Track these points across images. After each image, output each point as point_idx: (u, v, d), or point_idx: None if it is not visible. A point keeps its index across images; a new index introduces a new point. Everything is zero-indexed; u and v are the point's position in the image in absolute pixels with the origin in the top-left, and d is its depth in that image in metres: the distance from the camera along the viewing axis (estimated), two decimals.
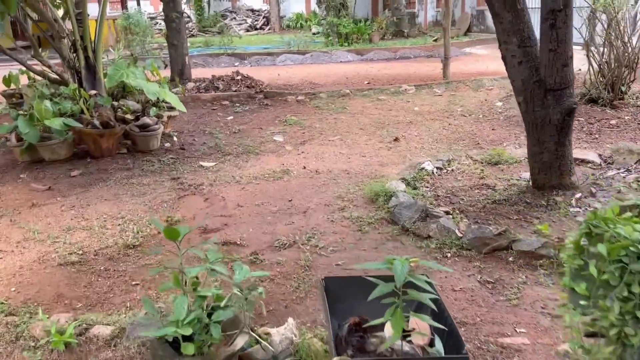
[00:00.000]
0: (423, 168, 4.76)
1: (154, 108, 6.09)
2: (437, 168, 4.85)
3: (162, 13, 29.33)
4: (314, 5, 27.43)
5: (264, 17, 28.34)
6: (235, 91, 9.44)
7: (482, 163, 5.00)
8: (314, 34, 23.88)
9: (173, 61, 10.57)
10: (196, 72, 12.81)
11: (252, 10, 29.37)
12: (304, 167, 5.41)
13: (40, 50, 8.46)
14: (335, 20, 16.25)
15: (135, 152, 5.95)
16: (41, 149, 5.54)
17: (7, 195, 4.86)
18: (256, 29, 27.68)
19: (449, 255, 3.38)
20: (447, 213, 3.81)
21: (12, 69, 9.07)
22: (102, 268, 3.41)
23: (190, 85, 9.81)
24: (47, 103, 5.33)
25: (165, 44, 19.56)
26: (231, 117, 7.97)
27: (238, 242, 3.73)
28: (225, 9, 29.21)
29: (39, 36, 10.82)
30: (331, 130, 6.91)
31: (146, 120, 5.85)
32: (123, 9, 19.65)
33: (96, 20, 6.58)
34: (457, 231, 3.48)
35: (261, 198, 4.60)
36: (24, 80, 9.41)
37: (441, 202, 4.12)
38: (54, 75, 7.30)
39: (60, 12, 9.01)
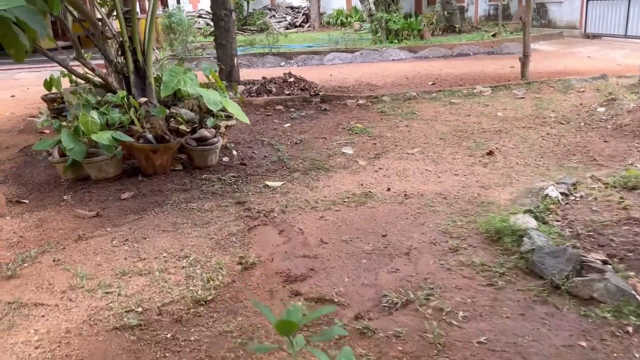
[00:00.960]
0: (547, 195, 3.85)
1: (212, 118, 5.37)
2: (562, 194, 3.94)
3: (200, 11, 28.97)
4: (354, 1, 26.54)
5: (303, 15, 27.61)
6: (289, 94, 8.68)
7: (615, 187, 4.05)
8: (356, 30, 23.03)
9: (221, 62, 9.88)
10: (242, 73, 12.12)
11: (292, 8, 28.68)
12: (388, 189, 4.58)
13: (82, 51, 7.92)
14: (386, 16, 15.32)
15: (191, 168, 5.24)
16: (87, 166, 4.89)
17: (49, 223, 4.21)
18: (296, 27, 26.98)
19: (630, 330, 2.49)
20: (604, 262, 2.92)
21: (54, 71, 8.56)
22: (168, 336, 2.67)
23: (240, 88, 9.11)
24: (94, 114, 4.66)
25: (208, 43, 19.11)
26: (288, 125, 7.20)
27: (335, 299, 2.93)
28: (264, 6, 28.59)
29: (79, 36, 10.33)
30: (406, 141, 6.05)
31: (204, 132, 5.13)
32: (164, 7, 19.20)
33: (145, 20, 5.89)
34: (637, 296, 2.59)
35: (347, 231, 3.80)
36: (65, 83, 8.95)
37: (585, 244, 3.22)
38: (98, 79, 6.71)
39: (104, 10, 8.44)
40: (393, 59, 13.38)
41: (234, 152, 5.71)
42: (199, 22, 24.66)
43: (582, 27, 13.57)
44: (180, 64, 9.98)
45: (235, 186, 4.83)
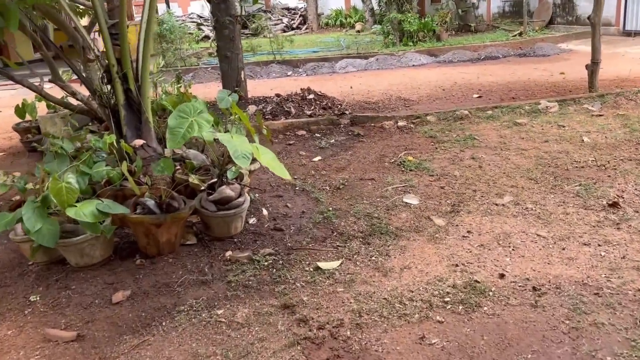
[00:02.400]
0: None
1: (234, 167, 3.92)
2: None
3: (191, 15, 27.36)
4: (354, 0, 25.15)
5: (300, 16, 26.17)
6: (311, 116, 7.25)
7: None
8: (358, 32, 21.63)
9: (225, 77, 8.45)
10: (248, 87, 10.68)
11: (288, 9, 27.22)
12: (502, 275, 3.17)
13: (60, 70, 6.46)
14: (399, 16, 13.92)
15: (208, 240, 3.80)
16: (64, 249, 3.44)
17: (2, 356, 2.76)
18: (292, 29, 25.52)
19: None
20: None
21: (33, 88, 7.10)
22: None
23: (251, 109, 7.67)
24: (71, 178, 3.21)
25: (202, 49, 17.61)
26: (319, 158, 5.78)
27: None
28: (259, 8, 27.10)
29: (61, 45, 8.84)
30: (484, 182, 4.64)
31: (226, 192, 3.69)
32: None
33: (139, 33, 4.45)
34: None
35: None
36: (43, 108, 7.48)
37: None
38: (81, 103, 5.26)
39: (85, 21, 6.97)
40: (413, 65, 11.98)
41: (264, 211, 4.26)
42: (190, 27, 23.15)
43: (620, 24, 12.28)
44: (178, 80, 8.53)
45: (274, 271, 3.40)
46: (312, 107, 7.52)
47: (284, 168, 3.53)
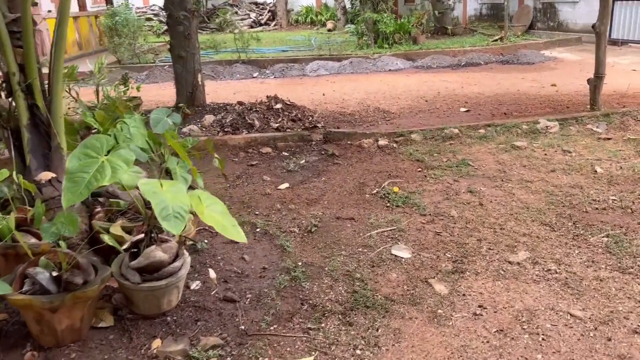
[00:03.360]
0: None
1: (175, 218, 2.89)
2: None
3: (152, 7, 25.92)
4: None
5: (269, 12, 25.05)
6: (279, 129, 6.27)
7: None
8: (329, 30, 20.71)
9: (180, 80, 7.37)
10: (207, 89, 9.60)
11: (256, 4, 26.04)
12: None
13: None
14: (375, 16, 13.04)
15: (131, 319, 2.79)
16: None
17: None
18: (261, 25, 24.40)
19: None
20: None
21: None
22: None
23: (208, 119, 6.62)
24: None
25: (161, 44, 16.27)
26: (286, 186, 4.81)
27: None
28: (225, 2, 25.83)
29: None
30: (488, 227, 3.77)
31: (155, 255, 2.67)
32: (107, 4, 16.29)
33: (55, 30, 3.38)
34: None
35: None
36: None
37: None
38: None
39: None
40: (390, 70, 11.11)
41: (211, 273, 3.24)
42: (153, 20, 21.74)
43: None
44: (124, 82, 7.38)
45: None
46: (280, 119, 6.54)
47: (236, 227, 2.55)
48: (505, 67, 10.51)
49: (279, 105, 6.75)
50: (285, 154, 5.78)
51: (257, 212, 4.25)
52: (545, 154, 5.20)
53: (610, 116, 6.03)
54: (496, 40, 13.09)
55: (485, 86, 8.47)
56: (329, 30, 20.68)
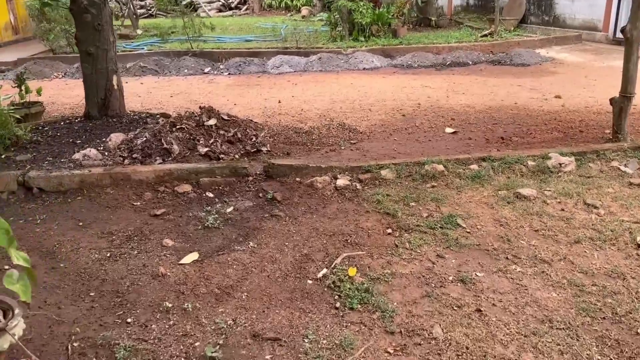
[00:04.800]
0: None
1: None
2: None
3: None
4: None
5: None
6: (208, 156, 4.70)
7: None
8: (304, 17, 19.01)
9: (89, 85, 5.73)
10: (142, 90, 7.97)
11: None
12: None
13: None
14: (350, 5, 11.43)
15: None
16: None
17: None
18: (231, 9, 22.56)
19: None
20: None
21: None
22: None
23: (115, 139, 4.99)
24: None
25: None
26: (194, 258, 3.29)
27: None
28: None
29: None
30: None
31: None
32: None
33: None
34: None
35: None
36: None
37: None
38: None
39: None
40: (364, 68, 9.57)
41: None
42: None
43: (609, 30, 10.36)
44: (19, 84, 5.80)
45: None
46: (212, 141, 4.97)
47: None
48: (497, 69, 9.06)
49: (212, 122, 5.17)
50: (210, 195, 4.24)
51: (130, 320, 2.72)
52: (563, 210, 3.76)
53: None
54: (485, 35, 11.61)
55: (476, 96, 7.00)
56: (303, 17, 18.97)
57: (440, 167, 4.38)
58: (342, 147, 5.18)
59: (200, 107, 5.52)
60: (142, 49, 11.01)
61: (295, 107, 6.71)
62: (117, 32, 14.48)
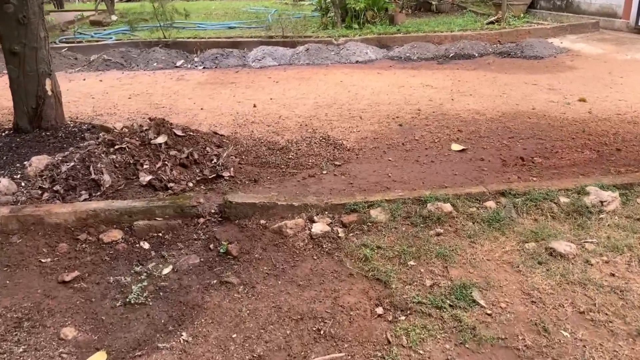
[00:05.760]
0: None
1: None
2: None
3: None
4: None
5: None
6: (151, 184, 3.70)
7: None
8: (294, 0, 17.81)
9: (17, 90, 4.68)
10: (96, 89, 6.89)
11: None
12: None
13: None
14: None
15: None
16: None
17: None
18: None
19: None
20: None
21: None
22: None
23: (37, 164, 3.96)
24: None
25: (80, 17, 13.10)
26: None
27: None
28: None
29: None
30: None
31: None
32: None
33: None
34: None
35: None
36: None
37: None
38: None
39: None
40: (357, 61, 8.50)
41: None
42: None
43: (631, 17, 9.28)
44: None
45: None
46: (159, 164, 3.95)
47: None
48: (507, 62, 8.00)
49: (161, 139, 4.14)
50: (145, 246, 3.24)
51: None
52: (614, 275, 2.78)
53: None
54: (491, 22, 10.51)
55: (485, 98, 5.96)
56: (294, 0, 17.80)
57: (447, 207, 3.38)
58: (324, 171, 4.17)
59: (150, 119, 4.49)
60: (111, 38, 9.90)
61: (273, 113, 5.67)
62: (89, 18, 13.37)
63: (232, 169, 4.13)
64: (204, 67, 8.29)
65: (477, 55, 8.58)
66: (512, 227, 3.27)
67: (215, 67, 8.29)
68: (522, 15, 11.12)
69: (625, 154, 4.26)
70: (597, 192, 3.46)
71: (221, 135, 4.88)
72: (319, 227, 3.29)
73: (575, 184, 3.58)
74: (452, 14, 12.51)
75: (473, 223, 3.33)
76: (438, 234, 3.24)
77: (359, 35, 9.82)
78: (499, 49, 8.83)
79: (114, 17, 13.07)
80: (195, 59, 8.61)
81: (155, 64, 8.38)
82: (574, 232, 3.21)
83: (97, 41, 9.73)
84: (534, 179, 3.85)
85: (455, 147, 4.57)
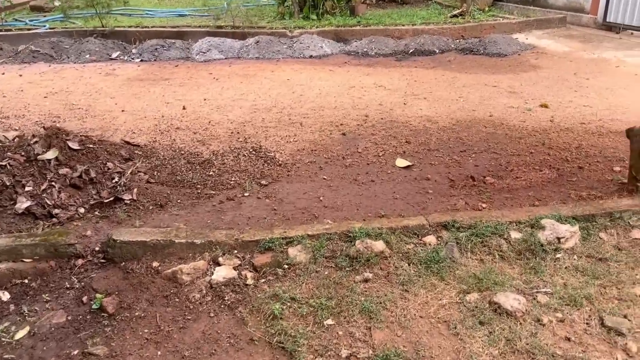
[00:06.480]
0: None
1: None
2: None
3: None
4: None
5: None
6: (31, 211, 3.05)
7: None
8: None
9: None
10: (11, 85, 6.11)
11: None
12: None
13: None
14: None
15: None
16: None
17: None
18: None
19: None
20: None
21: None
22: None
23: None
24: None
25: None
26: None
27: None
28: None
29: None
30: None
31: None
32: None
33: None
34: None
35: None
36: None
37: None
38: None
39: None
40: (312, 56, 7.88)
41: None
42: None
43: (599, 13, 8.89)
44: None
45: None
46: (44, 186, 3.30)
47: None
48: (469, 60, 7.50)
49: (50, 154, 3.47)
50: (4, 297, 2.60)
51: None
52: (569, 340, 2.27)
53: None
54: (455, 15, 10.01)
55: (440, 102, 5.43)
56: None
57: (379, 246, 2.84)
58: (247, 193, 3.58)
59: (44, 128, 3.82)
60: (44, 26, 9.01)
61: (203, 116, 5.02)
62: (29, 3, 12.34)
63: (135, 190, 3.50)
64: (141, 60, 7.55)
65: (438, 51, 8.06)
66: (453, 270, 2.75)
67: (154, 60, 7.55)
68: (487, 8, 10.64)
69: (588, 174, 3.80)
70: (554, 226, 2.96)
71: (134, 145, 4.23)
72: (222, 273, 2.71)
73: (529, 215, 3.07)
74: (417, 5, 11.96)
75: (409, 264, 2.80)
76: (366, 280, 2.70)
77: (316, 27, 9.18)
78: (462, 44, 8.33)
79: (57, 3, 12.09)
80: (133, 51, 7.85)
81: (87, 56, 7.58)
82: (525, 276, 2.71)
83: (29, 29, 8.84)
84: (484, 205, 3.34)
85: (400, 162, 4.03)
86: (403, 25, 9.23)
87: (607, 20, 8.84)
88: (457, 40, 8.63)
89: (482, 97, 5.63)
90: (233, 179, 3.79)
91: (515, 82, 6.20)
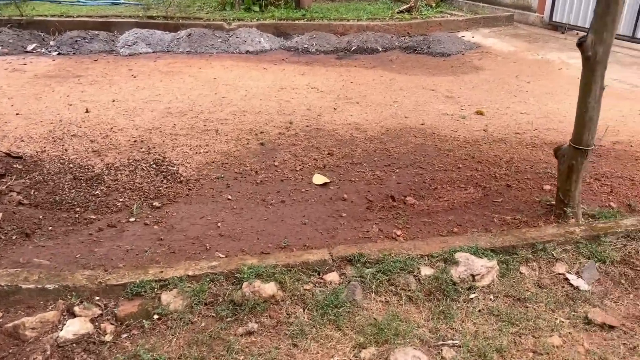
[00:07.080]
0: None
1: None
2: None
3: None
4: None
5: None
6: None
7: None
8: None
9: None
10: None
11: None
12: None
13: None
14: None
15: None
16: None
17: None
18: None
19: None
20: None
21: None
22: None
23: None
24: None
25: None
26: None
27: None
28: None
29: None
30: None
31: None
32: None
33: None
34: None
35: None
36: None
37: None
38: None
39: None
40: (248, 51, 7.40)
41: None
42: None
43: (545, 12, 8.72)
44: None
45: None
46: None
47: None
48: (411, 59, 7.19)
49: None
50: None
51: None
52: None
53: (600, 240, 2.87)
54: (402, 11, 9.69)
55: (373, 108, 5.08)
56: None
57: (269, 289, 2.44)
58: (134, 217, 3.12)
59: None
60: None
61: (106, 121, 4.50)
62: None
63: (0, 214, 2.99)
64: (58, 53, 6.89)
65: (381, 49, 7.72)
66: (353, 316, 2.39)
67: (73, 54, 6.91)
68: (435, 4, 10.37)
69: (516, 193, 3.51)
70: (469, 262, 2.64)
71: (15, 157, 3.70)
72: (74, 327, 2.26)
73: (444, 247, 2.74)
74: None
75: (304, 310, 2.42)
76: (249, 333, 2.30)
77: (257, 20, 8.68)
78: (406, 42, 8.02)
79: None
80: (51, 43, 7.17)
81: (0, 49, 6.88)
82: (432, 323, 2.37)
83: None
84: (398, 233, 2.99)
85: (318, 179, 3.65)
86: (348, 21, 8.85)
87: (554, 19, 8.71)
88: (403, 38, 8.31)
89: (418, 102, 5.30)
90: (122, 200, 3.31)
91: (454, 86, 5.91)
